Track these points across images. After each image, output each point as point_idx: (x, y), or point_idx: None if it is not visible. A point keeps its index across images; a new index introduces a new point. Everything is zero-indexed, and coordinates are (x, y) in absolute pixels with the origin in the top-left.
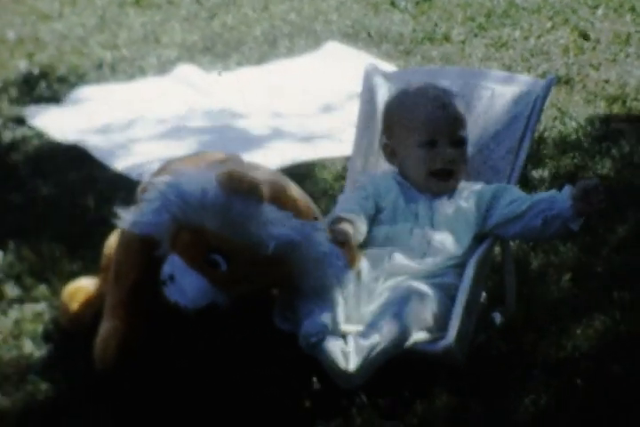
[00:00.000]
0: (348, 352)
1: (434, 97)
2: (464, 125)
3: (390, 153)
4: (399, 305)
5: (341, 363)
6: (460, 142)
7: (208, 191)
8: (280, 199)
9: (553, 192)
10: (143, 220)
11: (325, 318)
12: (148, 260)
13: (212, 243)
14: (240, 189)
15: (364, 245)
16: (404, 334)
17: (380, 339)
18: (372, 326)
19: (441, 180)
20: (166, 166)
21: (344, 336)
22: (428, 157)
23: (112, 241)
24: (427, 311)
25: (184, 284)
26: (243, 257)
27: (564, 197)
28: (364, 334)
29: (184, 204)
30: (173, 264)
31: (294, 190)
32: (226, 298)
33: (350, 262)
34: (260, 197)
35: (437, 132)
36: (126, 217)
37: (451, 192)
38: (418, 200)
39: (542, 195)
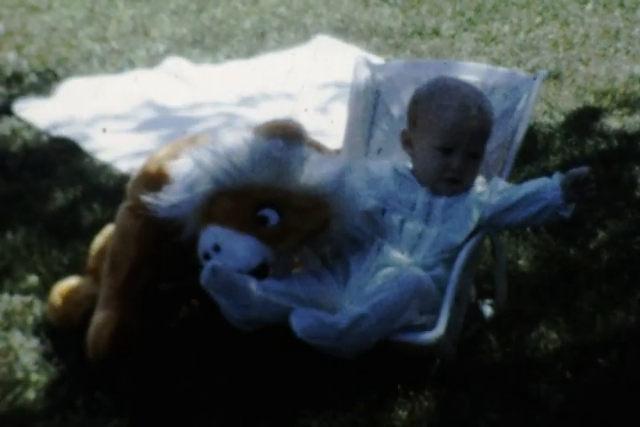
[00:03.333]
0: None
1: (463, 105)
2: (485, 137)
3: (406, 141)
4: (395, 283)
5: (332, 323)
6: (475, 155)
7: (254, 146)
8: (312, 143)
9: (543, 180)
10: (171, 201)
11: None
12: (146, 250)
13: (261, 198)
14: (285, 133)
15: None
16: (396, 310)
17: (371, 312)
18: (365, 299)
19: (450, 184)
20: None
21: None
22: (439, 163)
23: (98, 242)
24: (422, 293)
25: (234, 248)
26: (294, 205)
27: (554, 185)
28: (357, 304)
29: (232, 166)
30: (216, 234)
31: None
32: (273, 255)
33: None
34: (303, 140)
35: (455, 142)
36: (153, 202)
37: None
38: (417, 192)
39: (532, 184)
